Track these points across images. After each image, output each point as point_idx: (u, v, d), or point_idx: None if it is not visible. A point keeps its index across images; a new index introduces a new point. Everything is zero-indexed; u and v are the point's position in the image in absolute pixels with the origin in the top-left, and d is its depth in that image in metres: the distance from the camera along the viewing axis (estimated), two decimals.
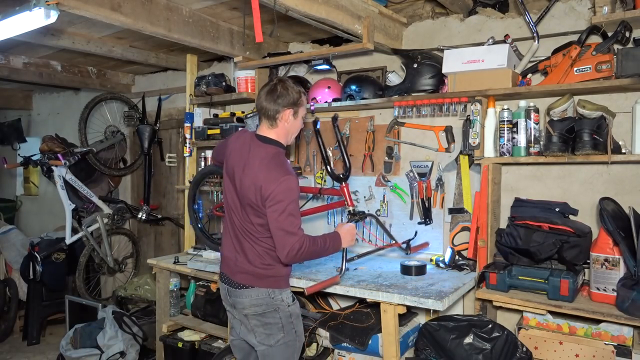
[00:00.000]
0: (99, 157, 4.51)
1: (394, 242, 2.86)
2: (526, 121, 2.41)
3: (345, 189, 2.61)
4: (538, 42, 2.52)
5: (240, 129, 2.64)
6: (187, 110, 3.76)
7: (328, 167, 2.63)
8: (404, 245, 2.81)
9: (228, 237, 2.14)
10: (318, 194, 2.89)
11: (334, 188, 2.82)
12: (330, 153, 3.02)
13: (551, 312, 2.27)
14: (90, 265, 4.43)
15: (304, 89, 3.26)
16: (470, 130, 2.61)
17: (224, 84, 3.59)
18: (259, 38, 2.10)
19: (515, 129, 2.44)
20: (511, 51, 2.52)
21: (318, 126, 2.66)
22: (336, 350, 2.82)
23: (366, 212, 2.73)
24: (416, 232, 2.89)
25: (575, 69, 2.33)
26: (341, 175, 2.62)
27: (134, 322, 3.60)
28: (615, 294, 2.09)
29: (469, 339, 2.19)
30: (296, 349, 2.12)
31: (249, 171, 2.02)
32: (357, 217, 2.59)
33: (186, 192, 3.53)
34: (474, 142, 2.60)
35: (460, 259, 2.74)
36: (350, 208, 2.61)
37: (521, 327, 2.37)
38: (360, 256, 2.74)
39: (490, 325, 2.21)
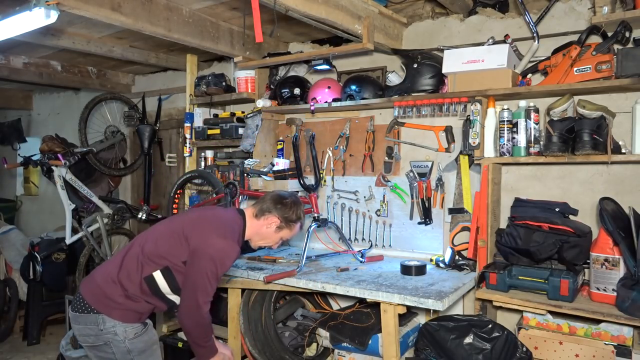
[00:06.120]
0: (99, 157, 4.51)
1: (350, 249, 3.05)
2: (526, 121, 2.41)
3: (312, 197, 2.93)
4: (538, 42, 2.52)
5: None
6: (187, 110, 3.76)
7: (300, 180, 2.98)
8: (359, 255, 2.93)
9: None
10: None
11: (304, 197, 3.00)
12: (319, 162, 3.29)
13: (551, 312, 2.27)
14: (90, 265, 4.41)
15: (304, 88, 3.27)
16: (470, 130, 2.61)
17: (224, 84, 3.59)
18: (259, 38, 2.10)
19: (515, 129, 2.44)
20: (511, 51, 2.52)
21: (314, 139, 3.13)
22: (336, 350, 2.82)
23: (328, 220, 3.03)
24: (371, 244, 3.17)
25: (575, 69, 2.33)
26: (311, 187, 2.97)
27: None
28: (615, 294, 2.09)
29: (469, 339, 2.19)
30: None
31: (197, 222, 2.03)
32: (320, 222, 2.88)
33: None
34: (474, 142, 2.60)
35: (460, 259, 2.74)
36: (315, 215, 2.90)
37: (521, 327, 2.37)
38: (318, 256, 3.04)
39: (490, 325, 2.21)
